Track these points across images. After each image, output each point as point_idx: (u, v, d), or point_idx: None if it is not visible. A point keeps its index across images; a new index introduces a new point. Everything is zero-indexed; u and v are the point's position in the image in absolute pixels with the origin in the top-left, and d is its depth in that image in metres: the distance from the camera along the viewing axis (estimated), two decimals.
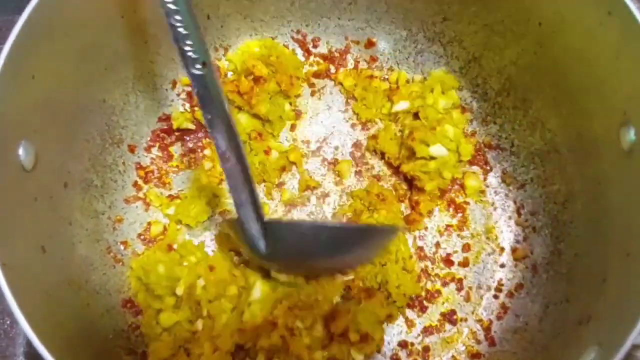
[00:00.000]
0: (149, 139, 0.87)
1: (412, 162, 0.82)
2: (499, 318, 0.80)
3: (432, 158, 0.81)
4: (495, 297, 0.81)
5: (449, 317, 0.80)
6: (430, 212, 0.85)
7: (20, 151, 0.60)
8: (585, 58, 0.69)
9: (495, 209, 0.85)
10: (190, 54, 0.64)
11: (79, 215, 0.75)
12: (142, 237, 0.84)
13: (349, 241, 0.73)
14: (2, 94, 0.57)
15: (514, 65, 0.81)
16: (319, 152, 0.89)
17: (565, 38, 0.71)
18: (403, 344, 0.79)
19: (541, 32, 0.74)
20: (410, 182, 0.85)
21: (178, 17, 0.62)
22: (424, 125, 0.83)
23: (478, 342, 0.79)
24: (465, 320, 0.80)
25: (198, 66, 0.64)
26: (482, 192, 0.86)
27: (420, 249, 0.84)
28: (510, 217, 0.85)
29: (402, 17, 0.87)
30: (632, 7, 0.59)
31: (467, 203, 0.85)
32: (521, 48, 0.79)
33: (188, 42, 0.63)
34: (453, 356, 0.79)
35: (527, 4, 0.74)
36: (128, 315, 0.78)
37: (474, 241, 0.84)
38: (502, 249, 0.83)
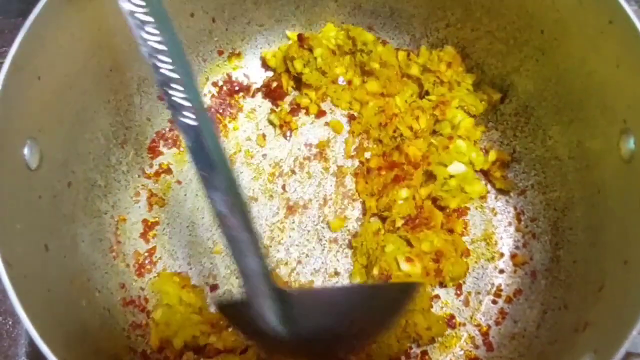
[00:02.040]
0: (153, 140, 0.88)
1: (432, 183, 0.82)
2: (497, 323, 0.80)
3: (452, 176, 0.81)
4: (494, 302, 0.81)
5: (448, 321, 0.80)
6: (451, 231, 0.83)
7: (25, 150, 0.61)
8: (586, 66, 0.69)
9: (495, 215, 0.85)
10: (179, 100, 0.54)
11: (82, 214, 0.76)
12: (144, 237, 0.84)
13: (369, 300, 0.65)
14: (8, 94, 0.58)
15: (516, 72, 0.82)
16: (320, 155, 0.89)
17: (567, 46, 0.72)
18: None
19: (543, 39, 0.74)
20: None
21: (164, 59, 0.53)
22: (434, 145, 0.84)
23: (476, 347, 0.79)
24: (464, 325, 0.80)
25: (189, 114, 0.54)
26: (483, 198, 0.86)
27: None
28: (510, 224, 0.85)
29: (405, 23, 0.88)
30: (633, 16, 0.60)
31: (468, 209, 0.85)
32: (523, 55, 0.79)
33: (176, 86, 0.54)
34: None
35: (530, 11, 0.74)
36: (129, 314, 0.78)
37: (474, 247, 0.84)
38: (502, 255, 0.83)
